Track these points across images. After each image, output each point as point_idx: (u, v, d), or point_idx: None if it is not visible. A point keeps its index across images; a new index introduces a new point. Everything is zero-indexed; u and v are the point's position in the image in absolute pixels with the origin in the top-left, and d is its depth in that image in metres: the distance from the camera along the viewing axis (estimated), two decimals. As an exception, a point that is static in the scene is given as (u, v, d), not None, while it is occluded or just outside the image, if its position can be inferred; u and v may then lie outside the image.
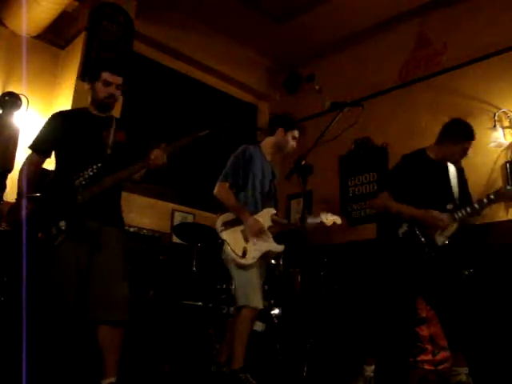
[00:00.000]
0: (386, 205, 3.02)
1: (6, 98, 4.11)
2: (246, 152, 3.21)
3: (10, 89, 4.35)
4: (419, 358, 3.48)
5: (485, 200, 2.83)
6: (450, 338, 2.84)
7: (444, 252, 2.87)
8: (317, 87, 5.85)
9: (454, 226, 2.89)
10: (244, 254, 2.99)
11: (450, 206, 2.91)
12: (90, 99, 2.63)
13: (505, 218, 4.16)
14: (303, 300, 4.38)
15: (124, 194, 2.76)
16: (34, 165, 2.58)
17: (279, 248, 3.16)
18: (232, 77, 6.04)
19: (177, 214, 5.26)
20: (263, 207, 3.19)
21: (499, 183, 4.23)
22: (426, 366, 3.46)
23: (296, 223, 3.21)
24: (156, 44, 5.35)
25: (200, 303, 4.02)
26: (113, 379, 2.32)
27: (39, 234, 2.30)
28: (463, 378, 2.69)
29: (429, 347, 3.50)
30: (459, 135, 3.00)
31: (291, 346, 3.87)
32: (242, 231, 3.06)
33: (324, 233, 4.51)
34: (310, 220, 3.21)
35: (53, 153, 2.65)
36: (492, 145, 4.26)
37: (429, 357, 3.49)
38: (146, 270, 4.36)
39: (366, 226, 4.88)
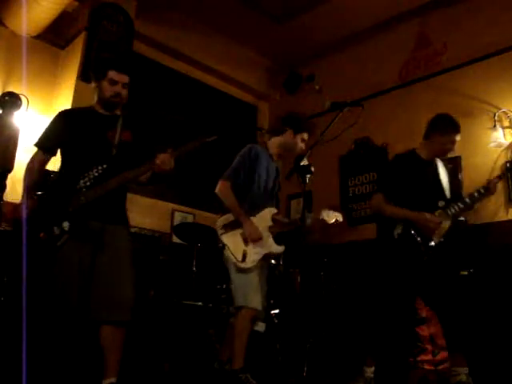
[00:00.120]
0: (379, 207, 3.04)
1: (6, 97, 4.11)
2: (252, 151, 3.19)
3: (10, 89, 4.35)
4: (419, 358, 3.47)
5: (475, 194, 2.93)
6: (448, 337, 2.84)
7: (441, 251, 2.89)
8: (317, 87, 5.86)
9: (448, 223, 2.92)
10: (244, 258, 2.99)
11: (441, 204, 2.96)
12: (96, 98, 2.60)
13: (505, 218, 4.16)
14: (303, 300, 4.38)
15: (124, 194, 2.76)
16: (39, 163, 2.56)
17: (279, 249, 3.15)
18: (232, 77, 6.04)
19: (177, 213, 5.27)
20: (265, 207, 3.19)
21: (499, 183, 4.22)
22: (426, 366, 3.46)
23: (296, 221, 3.19)
24: (156, 44, 5.36)
25: (200, 303, 4.02)
26: (113, 379, 2.31)
27: (41, 234, 2.29)
28: (463, 378, 2.69)
29: (429, 347, 3.50)
30: (445, 127, 3.05)
31: (291, 345, 3.87)
32: (242, 234, 3.06)
33: (324, 233, 4.52)
34: (311, 218, 3.18)
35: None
36: (492, 145, 4.26)
37: (429, 357, 3.48)
38: (145, 269, 4.36)
39: (366, 226, 4.88)
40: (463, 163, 4.49)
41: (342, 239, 4.95)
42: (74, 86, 4.59)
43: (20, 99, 4.19)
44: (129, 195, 2.70)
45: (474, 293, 3.64)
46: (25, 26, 4.50)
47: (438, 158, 3.14)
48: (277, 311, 3.97)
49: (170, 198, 5.24)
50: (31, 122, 4.52)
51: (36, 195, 2.45)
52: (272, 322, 3.86)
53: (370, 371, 2.98)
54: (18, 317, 2.38)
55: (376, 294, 3.17)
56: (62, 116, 2.62)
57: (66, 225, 2.29)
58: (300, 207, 5.47)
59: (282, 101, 6.43)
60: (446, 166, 3.18)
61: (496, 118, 4.30)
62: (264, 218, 3.14)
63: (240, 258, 2.98)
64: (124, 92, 2.58)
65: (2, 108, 4.08)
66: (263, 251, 3.05)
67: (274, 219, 3.18)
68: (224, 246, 3.05)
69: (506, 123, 4.31)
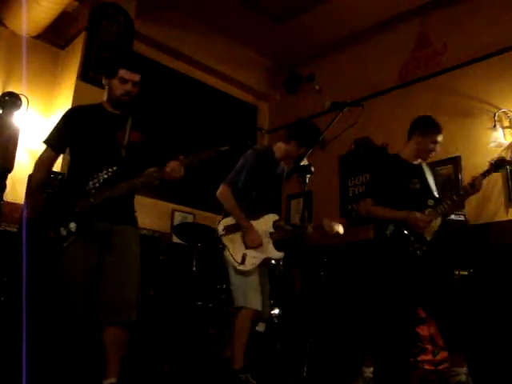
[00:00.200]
0: (368, 211, 3.08)
1: (6, 97, 4.11)
2: (255, 155, 3.18)
3: (10, 89, 4.35)
4: (419, 358, 3.48)
5: (462, 192, 2.99)
6: (445, 337, 2.86)
7: (434, 248, 2.93)
8: (317, 87, 5.85)
9: (439, 220, 2.98)
10: (243, 261, 3.00)
11: (431, 202, 3.01)
12: (105, 96, 2.57)
13: (505, 218, 4.16)
14: (303, 300, 4.38)
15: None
16: (47, 160, 2.54)
17: (279, 255, 3.17)
18: (232, 77, 6.04)
19: (177, 213, 5.27)
20: (266, 212, 3.19)
21: (499, 183, 4.24)
22: (426, 366, 3.46)
23: (298, 230, 3.21)
24: (156, 44, 5.36)
25: (200, 303, 4.02)
26: (113, 380, 2.31)
27: (50, 233, 2.28)
28: (463, 378, 2.69)
29: (429, 347, 3.50)
30: (425, 127, 3.11)
31: (291, 345, 3.87)
32: (243, 237, 3.07)
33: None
34: (312, 227, 3.22)
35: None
36: (492, 145, 4.26)
37: (429, 357, 3.49)
38: (146, 269, 4.35)
39: (365, 226, 4.87)
40: (463, 163, 4.50)
41: (342, 239, 4.91)
42: (73, 86, 4.59)
43: (20, 99, 4.19)
44: (129, 195, 2.69)
45: (473, 293, 3.65)
46: (25, 26, 4.50)
47: (421, 158, 3.18)
48: (277, 311, 3.97)
49: (170, 198, 5.24)
50: (31, 121, 4.53)
51: (44, 193, 2.43)
52: (272, 322, 3.86)
53: (368, 371, 2.99)
54: (19, 317, 2.38)
55: (374, 294, 3.17)
56: (72, 113, 2.59)
57: (72, 226, 2.28)
58: (300, 207, 5.47)
59: (282, 101, 6.43)
60: (429, 167, 3.23)
61: (496, 117, 4.30)
62: (265, 223, 3.14)
63: (239, 260, 2.99)
64: (135, 90, 2.55)
65: (2, 108, 4.07)
66: (262, 256, 3.06)
67: (276, 226, 3.19)
68: (224, 247, 3.05)
69: (506, 123, 4.31)
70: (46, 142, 2.55)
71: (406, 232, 2.91)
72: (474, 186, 2.95)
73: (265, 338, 3.72)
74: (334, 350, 4.02)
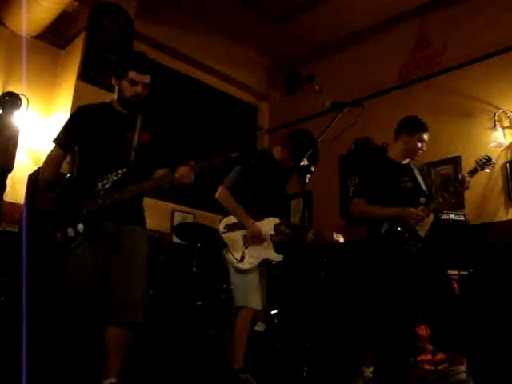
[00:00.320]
0: (360, 210, 3.12)
1: (6, 97, 4.11)
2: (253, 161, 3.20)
3: (10, 89, 4.35)
4: (419, 358, 3.47)
5: (452, 189, 3.05)
6: (439, 337, 2.87)
7: (429, 245, 2.97)
8: (317, 87, 5.85)
9: (431, 217, 3.04)
10: (242, 259, 3.02)
11: (422, 200, 3.07)
12: (115, 96, 2.56)
13: (505, 218, 4.16)
14: (303, 300, 4.37)
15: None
16: (56, 158, 2.53)
17: (278, 257, 3.19)
18: (232, 77, 6.04)
19: (177, 213, 5.27)
20: (267, 215, 3.20)
21: (499, 183, 4.24)
22: (426, 366, 3.46)
23: (298, 234, 3.22)
24: (156, 44, 5.35)
25: (200, 303, 4.02)
26: (113, 380, 2.30)
27: (58, 234, 2.27)
28: (462, 376, 2.69)
29: (429, 347, 3.49)
30: (411, 127, 3.17)
31: (291, 345, 3.87)
32: (243, 236, 3.08)
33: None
34: (312, 235, 3.27)
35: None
36: (492, 145, 4.26)
37: (429, 357, 3.48)
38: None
39: (365, 226, 4.87)
40: (463, 163, 4.49)
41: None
42: (73, 86, 4.59)
43: (20, 99, 4.19)
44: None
45: (473, 293, 3.65)
46: (25, 26, 4.50)
47: (409, 158, 3.23)
48: (277, 311, 3.97)
49: (170, 197, 5.24)
50: (31, 121, 4.53)
51: (53, 193, 2.41)
52: (272, 322, 3.86)
53: (368, 371, 2.98)
54: (20, 317, 2.38)
55: (372, 293, 3.17)
56: (81, 112, 2.57)
57: (80, 227, 2.27)
58: (300, 207, 5.46)
59: (282, 101, 6.43)
60: (417, 167, 3.29)
61: (496, 117, 4.30)
62: (266, 226, 3.15)
63: (238, 258, 3.01)
64: (145, 92, 2.52)
65: (2, 108, 4.07)
66: (261, 256, 3.08)
67: (276, 229, 3.20)
68: (224, 244, 3.06)
69: (506, 123, 4.31)
70: (54, 140, 2.54)
71: (400, 229, 2.95)
72: (464, 183, 3.02)
73: (265, 337, 3.72)
74: (334, 349, 4.02)
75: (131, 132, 2.50)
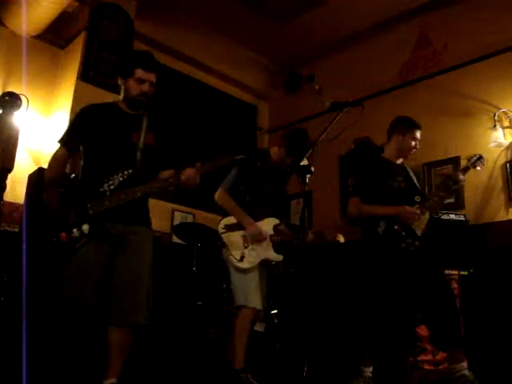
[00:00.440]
0: (358, 210, 3.15)
1: (6, 97, 4.10)
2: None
3: (10, 89, 4.35)
4: (419, 358, 3.47)
5: (447, 188, 3.10)
6: (438, 337, 2.87)
7: (426, 244, 2.98)
8: (317, 87, 5.85)
9: (427, 216, 3.06)
10: (241, 259, 3.02)
11: (418, 199, 3.09)
12: (121, 95, 2.54)
13: (505, 218, 4.16)
14: (303, 300, 4.37)
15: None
16: (61, 158, 2.52)
17: (277, 257, 3.20)
18: (232, 77, 6.04)
19: (177, 213, 5.27)
20: (267, 215, 3.20)
21: (499, 183, 4.24)
22: (426, 366, 3.46)
23: (298, 235, 3.22)
24: (156, 44, 5.34)
25: (200, 303, 4.02)
26: (114, 380, 2.30)
27: (63, 234, 2.26)
28: (465, 373, 2.68)
29: (429, 347, 3.50)
30: (404, 126, 3.21)
31: (291, 345, 3.87)
32: (243, 236, 3.08)
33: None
34: (312, 234, 3.29)
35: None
36: (492, 145, 4.26)
37: (429, 357, 3.48)
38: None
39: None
40: (463, 163, 4.49)
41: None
42: (73, 86, 4.59)
43: (20, 99, 4.18)
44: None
45: (474, 293, 3.65)
46: (25, 26, 4.50)
47: (402, 157, 3.26)
48: (277, 311, 3.97)
49: (170, 198, 5.23)
50: (31, 121, 4.53)
51: (58, 191, 2.41)
52: (272, 322, 3.86)
53: (368, 371, 2.99)
54: (20, 317, 2.38)
55: (371, 293, 3.17)
56: (86, 112, 2.55)
57: (85, 228, 2.26)
58: (300, 207, 5.46)
59: (282, 101, 6.42)
60: (410, 166, 3.31)
61: (496, 117, 4.30)
62: (265, 226, 3.16)
63: (238, 258, 3.01)
64: (151, 91, 2.51)
65: (2, 108, 4.07)
66: (261, 256, 3.09)
67: (276, 229, 3.20)
68: (223, 244, 3.07)
69: (506, 123, 4.31)
70: (60, 140, 2.53)
71: (396, 227, 2.96)
72: (457, 181, 3.06)
73: (265, 337, 3.72)
74: (334, 349, 4.02)
75: (137, 132, 2.49)
